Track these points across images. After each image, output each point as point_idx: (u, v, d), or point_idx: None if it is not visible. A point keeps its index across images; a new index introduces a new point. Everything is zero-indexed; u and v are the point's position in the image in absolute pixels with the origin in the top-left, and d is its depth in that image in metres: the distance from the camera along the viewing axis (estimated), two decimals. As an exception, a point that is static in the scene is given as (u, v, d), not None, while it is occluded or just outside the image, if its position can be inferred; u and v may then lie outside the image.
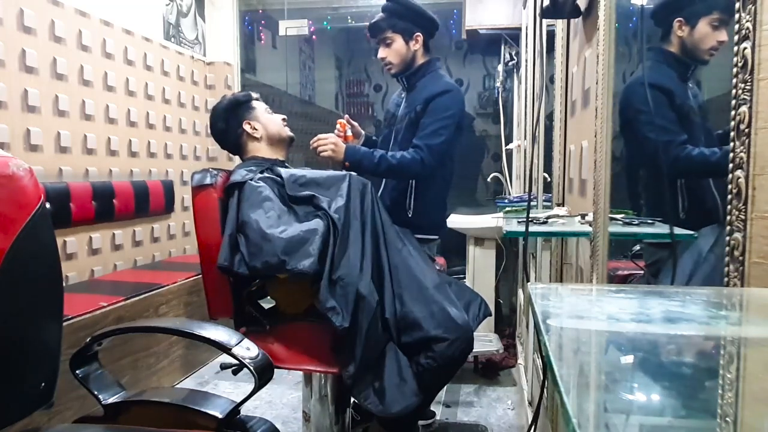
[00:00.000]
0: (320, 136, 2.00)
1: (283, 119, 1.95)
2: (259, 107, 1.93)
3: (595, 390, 0.51)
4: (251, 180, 1.70)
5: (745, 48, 0.77)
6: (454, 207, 3.40)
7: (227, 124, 1.90)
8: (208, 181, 1.71)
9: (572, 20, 1.84)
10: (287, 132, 1.93)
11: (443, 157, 2.06)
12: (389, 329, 1.60)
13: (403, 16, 2.08)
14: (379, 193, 2.16)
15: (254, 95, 1.96)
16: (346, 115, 2.14)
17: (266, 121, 1.90)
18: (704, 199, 1.22)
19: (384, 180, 2.15)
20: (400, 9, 2.08)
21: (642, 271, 1.46)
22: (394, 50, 2.09)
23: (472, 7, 3.53)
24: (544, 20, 2.06)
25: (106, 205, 2.85)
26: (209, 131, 1.99)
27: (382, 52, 2.11)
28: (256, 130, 1.89)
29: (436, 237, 2.19)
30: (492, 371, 2.86)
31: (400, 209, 2.09)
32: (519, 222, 1.42)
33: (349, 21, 4.56)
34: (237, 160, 4.23)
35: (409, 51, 2.10)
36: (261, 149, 1.89)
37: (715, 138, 1.11)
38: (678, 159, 1.24)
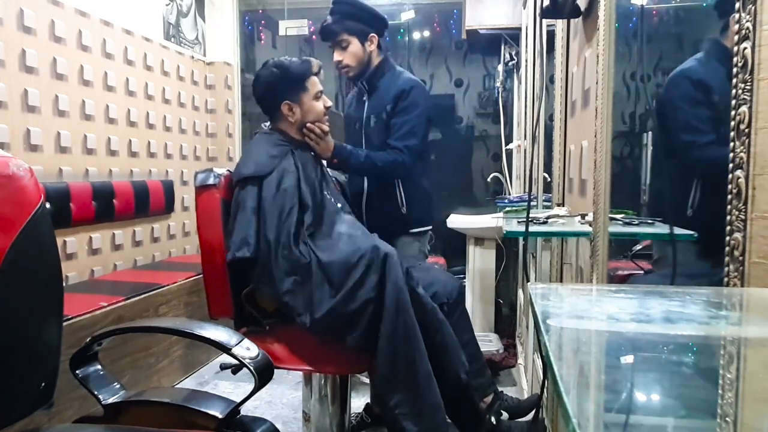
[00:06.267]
0: (318, 124, 1.88)
1: (327, 108, 1.87)
2: (311, 89, 1.83)
3: (595, 390, 0.51)
4: (271, 173, 1.69)
5: (745, 48, 0.77)
6: (454, 207, 3.40)
7: (270, 89, 1.81)
8: (211, 181, 1.71)
9: (572, 20, 1.84)
10: (323, 127, 1.87)
11: (421, 154, 2.10)
12: None
13: (356, 18, 2.05)
14: (364, 197, 2.14)
15: (314, 69, 1.84)
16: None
17: (308, 109, 1.82)
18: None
19: (366, 185, 2.13)
20: (353, 11, 2.05)
21: (641, 271, 1.46)
22: (351, 53, 2.07)
23: (472, 7, 3.53)
24: (544, 20, 2.06)
25: (106, 205, 2.85)
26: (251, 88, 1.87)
27: (338, 55, 2.09)
28: (292, 113, 1.82)
29: (429, 228, 2.21)
30: (492, 371, 2.85)
31: (394, 208, 2.10)
32: (519, 222, 1.42)
33: (349, 21, 4.55)
34: (237, 160, 4.24)
35: (365, 53, 2.08)
36: (291, 129, 1.84)
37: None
38: (699, 160, 1.23)
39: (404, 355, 1.56)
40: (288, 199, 1.68)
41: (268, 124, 1.90)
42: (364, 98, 2.16)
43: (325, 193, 1.84)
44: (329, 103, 1.88)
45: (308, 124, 1.85)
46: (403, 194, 2.10)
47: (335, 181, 2.02)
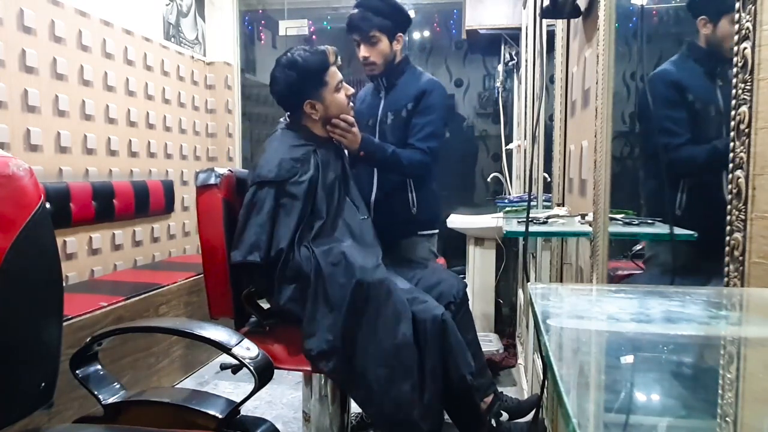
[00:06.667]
0: (343, 117, 1.84)
1: (350, 97, 1.84)
2: (331, 82, 1.78)
3: (595, 390, 0.51)
4: (291, 178, 1.68)
5: (745, 48, 0.77)
6: (454, 207, 3.40)
7: (290, 91, 1.78)
8: (212, 181, 1.70)
9: (572, 20, 1.84)
10: (349, 119, 1.83)
11: (439, 155, 2.10)
12: None
13: (388, 16, 2.03)
14: (373, 197, 2.12)
15: (330, 59, 1.78)
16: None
17: (330, 103, 1.79)
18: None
19: (376, 186, 2.12)
20: (385, 8, 2.03)
21: (641, 271, 1.46)
22: (379, 50, 2.04)
23: (472, 7, 3.53)
24: (544, 20, 2.06)
25: (106, 205, 2.85)
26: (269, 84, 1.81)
27: (365, 51, 2.04)
28: (315, 111, 1.79)
29: (437, 231, 2.21)
30: (492, 371, 2.85)
31: (405, 208, 2.09)
32: (519, 222, 1.42)
33: (349, 21, 4.56)
34: (237, 160, 4.21)
35: (392, 51, 2.06)
36: (315, 126, 1.83)
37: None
38: (674, 162, 1.24)
39: (385, 381, 1.58)
40: (304, 208, 1.68)
41: (288, 114, 1.88)
42: (381, 95, 2.14)
43: (346, 193, 1.83)
44: (351, 91, 1.86)
45: (333, 120, 1.82)
46: (414, 196, 2.09)
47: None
